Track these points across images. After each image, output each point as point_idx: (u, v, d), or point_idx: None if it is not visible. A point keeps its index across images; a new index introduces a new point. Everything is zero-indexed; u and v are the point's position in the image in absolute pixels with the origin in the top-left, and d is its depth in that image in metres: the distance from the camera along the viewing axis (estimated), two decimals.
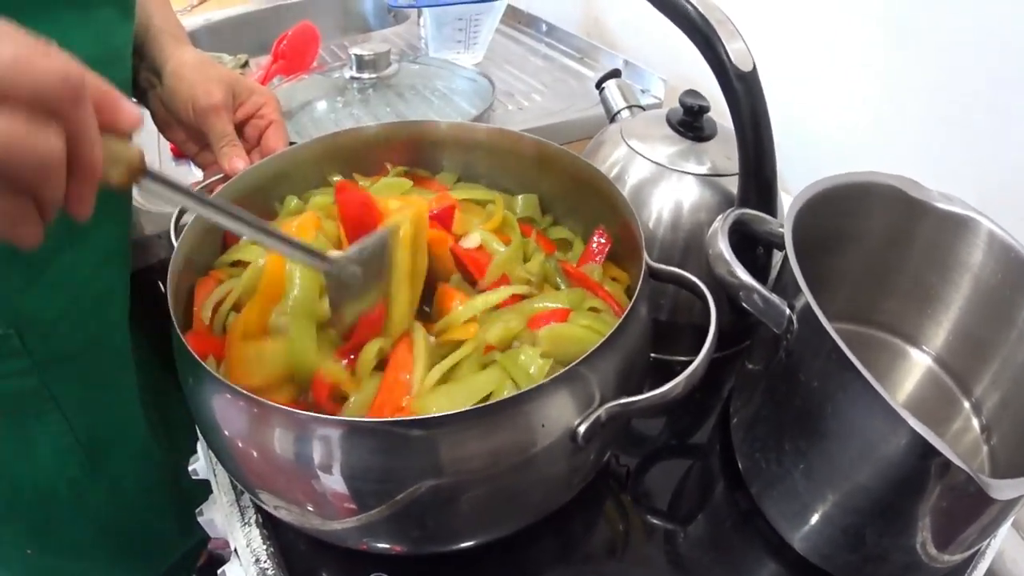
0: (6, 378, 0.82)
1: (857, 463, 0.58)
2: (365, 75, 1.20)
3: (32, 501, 0.92)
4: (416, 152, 0.88)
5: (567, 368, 0.56)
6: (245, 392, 0.54)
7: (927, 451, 0.51)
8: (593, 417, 0.57)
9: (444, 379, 0.62)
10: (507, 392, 0.60)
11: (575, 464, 0.62)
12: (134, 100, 0.90)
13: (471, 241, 0.76)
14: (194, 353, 0.58)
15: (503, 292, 0.69)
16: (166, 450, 1.05)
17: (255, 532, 0.72)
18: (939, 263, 0.77)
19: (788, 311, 0.63)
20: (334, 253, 0.65)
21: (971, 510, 0.56)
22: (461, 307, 0.68)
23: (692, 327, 0.88)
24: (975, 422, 0.75)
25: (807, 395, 0.61)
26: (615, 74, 1.02)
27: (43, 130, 0.42)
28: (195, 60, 0.85)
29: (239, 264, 0.75)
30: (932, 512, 0.56)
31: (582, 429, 0.56)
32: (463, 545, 0.65)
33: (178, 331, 0.61)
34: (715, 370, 0.88)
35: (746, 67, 0.72)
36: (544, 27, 1.55)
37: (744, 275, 0.65)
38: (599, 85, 1.02)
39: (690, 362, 0.59)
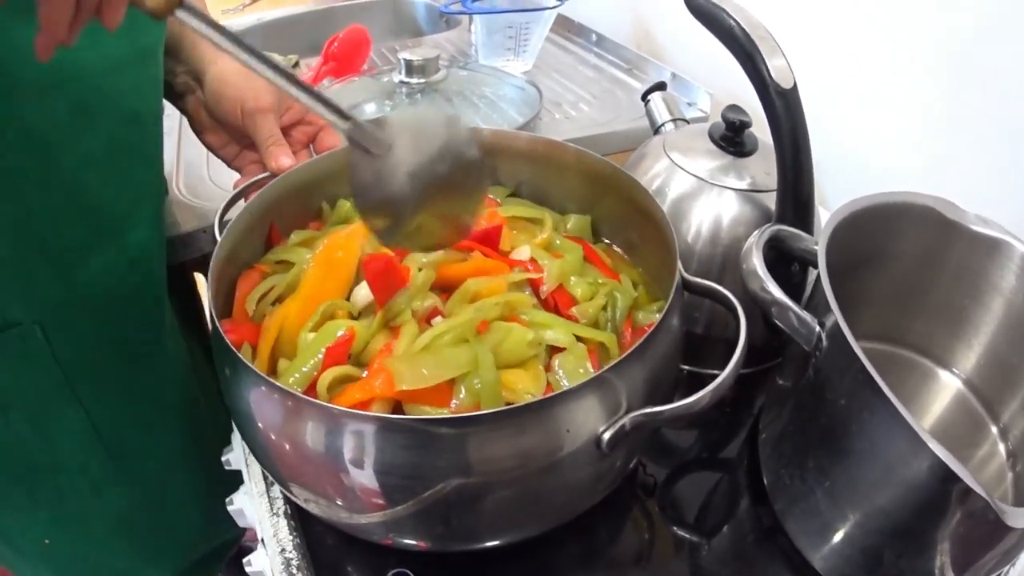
0: (28, 373, 0.84)
1: (879, 484, 0.59)
2: (414, 80, 1.22)
3: (51, 494, 0.94)
4: None
5: (595, 375, 0.57)
6: (279, 385, 0.56)
7: (948, 476, 0.51)
8: (618, 425, 0.57)
9: (427, 348, 0.63)
10: (480, 371, 0.61)
11: (600, 470, 0.63)
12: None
13: (521, 254, 0.77)
14: (230, 343, 0.59)
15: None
16: (196, 447, 1.07)
17: (283, 523, 0.73)
18: (972, 285, 0.76)
19: (818, 329, 0.63)
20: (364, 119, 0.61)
21: (991, 536, 0.56)
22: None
23: (726, 341, 0.86)
24: (1002, 448, 0.75)
25: (833, 413, 0.61)
26: (661, 86, 1.03)
27: None
28: (241, 68, 0.85)
29: (284, 263, 0.77)
30: (951, 537, 0.56)
31: (607, 436, 0.57)
32: (487, 545, 0.66)
33: (216, 321, 0.62)
34: (748, 385, 0.90)
35: (787, 84, 0.73)
36: (594, 37, 1.56)
37: (776, 291, 0.65)
38: (644, 97, 1.03)
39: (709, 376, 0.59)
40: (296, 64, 1.58)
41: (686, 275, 0.69)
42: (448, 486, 0.56)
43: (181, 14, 0.52)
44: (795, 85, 0.73)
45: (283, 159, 0.83)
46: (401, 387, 0.59)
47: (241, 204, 0.76)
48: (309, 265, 0.73)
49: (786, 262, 0.78)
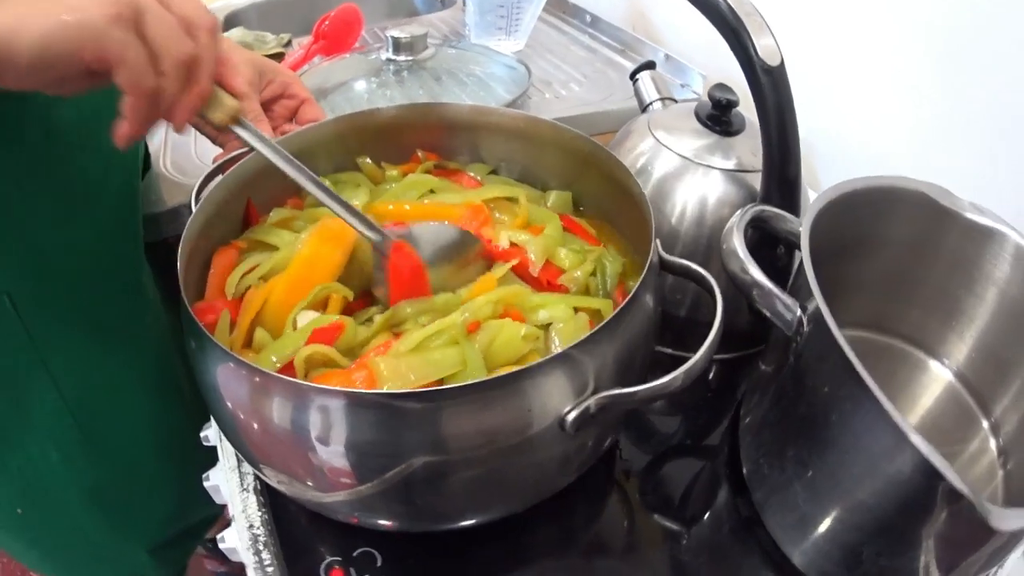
0: None
1: (860, 478, 0.56)
2: (401, 57, 1.20)
3: (23, 463, 0.93)
4: (444, 136, 0.87)
5: (559, 351, 0.55)
6: (245, 361, 0.55)
7: (932, 473, 0.48)
8: (583, 406, 0.55)
9: (419, 348, 0.62)
10: (469, 371, 0.60)
11: (567, 451, 0.61)
12: None
13: (501, 243, 0.76)
14: (197, 320, 0.58)
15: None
16: (173, 423, 1.06)
17: (252, 499, 0.72)
18: (965, 275, 0.73)
19: (799, 313, 0.60)
20: (391, 231, 0.69)
21: (977, 537, 0.53)
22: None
23: (710, 325, 0.86)
24: (992, 444, 0.72)
25: (813, 402, 0.58)
26: (649, 65, 1.00)
27: (187, 38, 0.57)
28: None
29: (263, 244, 0.75)
30: (936, 536, 0.53)
31: (571, 417, 0.55)
32: (458, 525, 0.65)
33: (185, 297, 0.60)
34: (733, 371, 0.90)
35: (773, 61, 0.69)
36: (588, 18, 1.53)
37: (757, 273, 0.63)
38: (633, 76, 1.00)
39: (713, 362, 0.57)
40: (288, 43, 1.56)
41: (663, 254, 0.66)
42: (412, 464, 0.54)
43: (238, 129, 0.64)
44: (782, 63, 0.70)
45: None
46: (383, 387, 0.58)
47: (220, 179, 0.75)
48: (301, 245, 0.72)
49: (771, 244, 0.75)
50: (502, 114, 0.84)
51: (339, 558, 0.68)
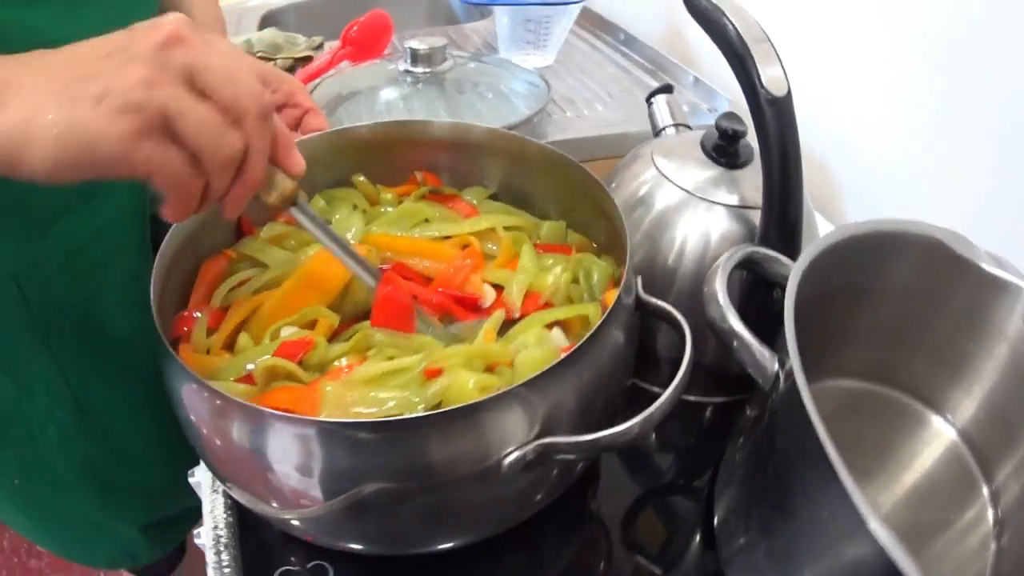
0: (4, 321, 0.85)
1: (817, 557, 0.51)
2: (419, 69, 1.18)
3: (21, 437, 0.95)
4: (441, 154, 0.86)
5: (505, 390, 0.52)
6: (206, 382, 0.55)
7: (892, 568, 0.43)
8: (519, 452, 0.52)
9: (373, 381, 0.61)
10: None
11: (518, 488, 0.58)
12: None
13: (487, 300, 0.73)
14: (164, 338, 0.58)
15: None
16: (168, 411, 1.05)
17: (220, 500, 0.72)
18: (976, 328, 0.68)
19: (777, 367, 0.56)
20: None
21: None
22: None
23: (703, 367, 0.82)
24: (990, 514, 0.67)
25: (781, 465, 0.54)
26: (666, 89, 0.96)
27: (232, 130, 0.50)
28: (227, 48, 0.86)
29: (254, 260, 0.75)
30: None
31: (507, 461, 0.52)
32: (415, 551, 0.65)
33: (154, 306, 0.60)
34: (727, 414, 0.87)
35: (778, 91, 0.66)
36: (622, 36, 1.49)
37: (735, 322, 0.59)
38: (649, 99, 0.96)
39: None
40: (320, 46, 1.56)
41: (640, 291, 0.64)
42: (359, 492, 0.53)
43: (293, 210, 0.61)
44: (788, 93, 0.66)
45: None
46: (321, 414, 0.57)
47: None
48: (305, 262, 0.72)
49: (768, 286, 0.71)
50: (493, 134, 0.82)
51: (294, 568, 0.69)
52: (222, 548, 0.69)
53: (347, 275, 0.70)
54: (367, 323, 0.66)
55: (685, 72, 1.31)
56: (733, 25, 0.67)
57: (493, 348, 0.64)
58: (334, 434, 0.52)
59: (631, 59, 1.45)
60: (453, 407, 0.51)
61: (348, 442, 0.52)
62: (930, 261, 0.68)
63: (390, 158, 0.85)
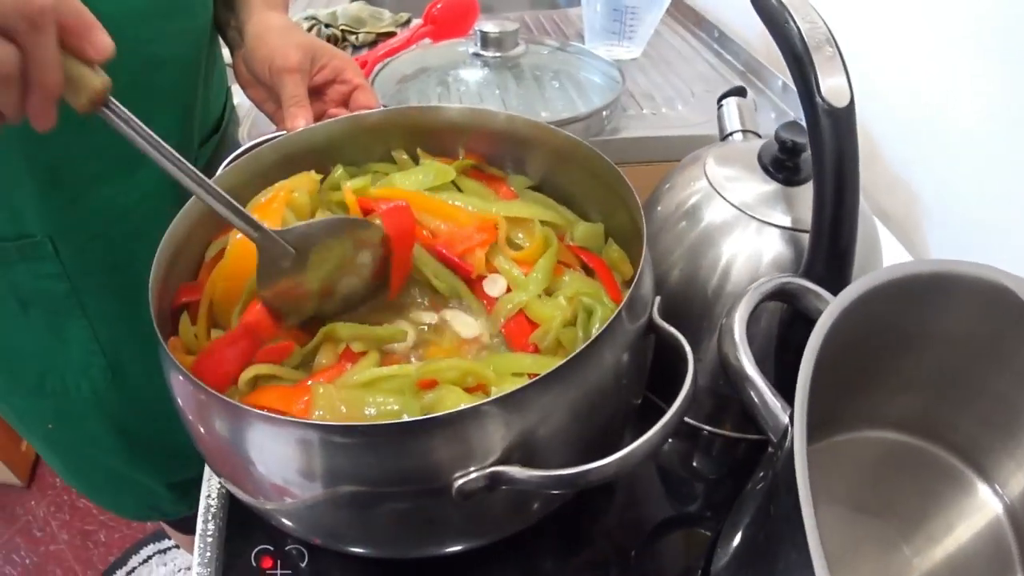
0: (40, 278, 0.89)
1: None
2: (489, 53, 1.14)
3: (57, 387, 0.99)
4: (488, 143, 0.81)
5: (469, 407, 0.48)
6: (191, 376, 0.54)
7: None
8: (473, 475, 0.48)
9: (366, 386, 0.59)
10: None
11: (474, 514, 0.55)
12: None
13: (496, 288, 0.70)
14: (157, 326, 0.58)
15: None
16: None
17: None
18: None
19: (787, 422, 0.48)
20: (274, 229, 0.62)
21: None
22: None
23: (717, 395, 0.77)
24: None
25: (771, 534, 0.48)
26: (740, 92, 0.88)
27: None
28: (280, 25, 0.87)
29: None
30: None
31: (457, 484, 0.48)
32: (393, 556, 0.65)
33: (152, 291, 0.60)
34: (757, 453, 0.79)
35: (839, 102, 0.59)
36: (716, 33, 1.40)
37: (747, 363, 0.52)
38: (720, 100, 0.89)
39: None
40: (407, 22, 1.54)
41: (655, 314, 0.58)
42: (333, 493, 0.52)
43: (106, 112, 0.54)
44: (851, 104, 0.59)
45: (299, 120, 0.81)
46: (314, 412, 0.56)
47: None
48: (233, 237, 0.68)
49: (808, 323, 0.62)
50: (532, 125, 0.76)
51: (271, 547, 0.69)
52: (210, 517, 0.71)
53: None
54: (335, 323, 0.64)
55: (775, 77, 1.22)
56: (796, 26, 0.60)
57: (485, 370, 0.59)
58: (308, 435, 0.50)
59: (722, 58, 1.36)
60: (407, 420, 0.50)
61: (321, 444, 0.50)
62: (993, 310, 0.58)
63: (430, 142, 0.81)
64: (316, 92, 0.86)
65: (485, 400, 0.48)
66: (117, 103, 0.54)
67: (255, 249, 0.61)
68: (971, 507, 0.64)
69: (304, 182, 0.73)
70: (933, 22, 0.96)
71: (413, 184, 0.75)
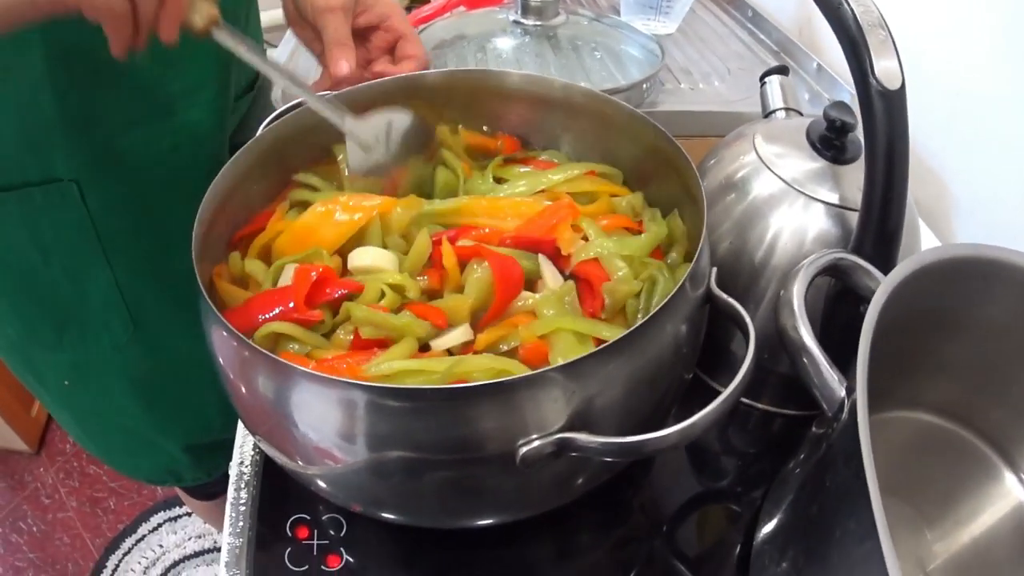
0: (66, 227, 0.87)
1: None
2: (529, 21, 1.14)
3: (75, 340, 0.97)
4: (520, 109, 0.81)
5: (535, 372, 0.48)
6: (236, 331, 0.54)
7: None
8: (537, 443, 0.48)
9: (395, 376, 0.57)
10: None
11: (539, 478, 0.55)
12: None
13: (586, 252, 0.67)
14: (201, 282, 0.58)
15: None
16: None
17: (251, 438, 0.74)
18: None
19: (843, 395, 0.50)
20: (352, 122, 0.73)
21: None
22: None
23: (777, 374, 0.77)
24: None
25: (825, 506, 0.49)
26: (782, 70, 0.89)
27: None
28: None
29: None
30: None
31: (522, 451, 0.48)
32: (432, 525, 0.65)
33: (195, 243, 0.62)
34: (801, 428, 0.78)
35: (892, 84, 0.59)
36: (750, 13, 1.40)
37: (806, 334, 0.53)
38: (763, 78, 0.90)
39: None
40: None
41: (713, 285, 0.59)
42: (381, 458, 0.52)
43: (218, 32, 0.66)
44: (903, 87, 0.60)
45: (343, 63, 0.79)
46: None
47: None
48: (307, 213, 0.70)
49: (855, 300, 0.64)
50: (573, 90, 0.77)
51: (307, 516, 0.68)
52: (243, 485, 0.69)
53: (357, 223, 0.69)
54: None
55: (810, 58, 1.23)
56: (850, 7, 0.61)
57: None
58: (358, 397, 0.49)
59: (756, 37, 1.36)
60: (476, 383, 0.48)
61: (372, 407, 0.49)
62: None
63: (469, 108, 0.81)
64: (360, 36, 0.84)
65: (549, 367, 0.48)
66: (224, 24, 0.66)
67: (324, 226, 0.66)
68: (997, 494, 0.66)
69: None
70: (965, 13, 0.97)
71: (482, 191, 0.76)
